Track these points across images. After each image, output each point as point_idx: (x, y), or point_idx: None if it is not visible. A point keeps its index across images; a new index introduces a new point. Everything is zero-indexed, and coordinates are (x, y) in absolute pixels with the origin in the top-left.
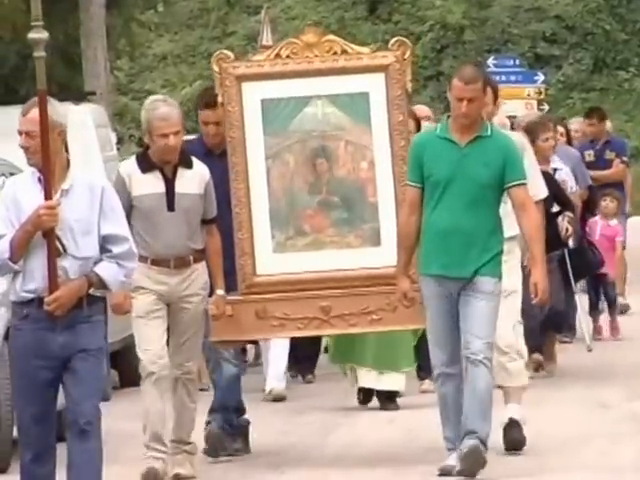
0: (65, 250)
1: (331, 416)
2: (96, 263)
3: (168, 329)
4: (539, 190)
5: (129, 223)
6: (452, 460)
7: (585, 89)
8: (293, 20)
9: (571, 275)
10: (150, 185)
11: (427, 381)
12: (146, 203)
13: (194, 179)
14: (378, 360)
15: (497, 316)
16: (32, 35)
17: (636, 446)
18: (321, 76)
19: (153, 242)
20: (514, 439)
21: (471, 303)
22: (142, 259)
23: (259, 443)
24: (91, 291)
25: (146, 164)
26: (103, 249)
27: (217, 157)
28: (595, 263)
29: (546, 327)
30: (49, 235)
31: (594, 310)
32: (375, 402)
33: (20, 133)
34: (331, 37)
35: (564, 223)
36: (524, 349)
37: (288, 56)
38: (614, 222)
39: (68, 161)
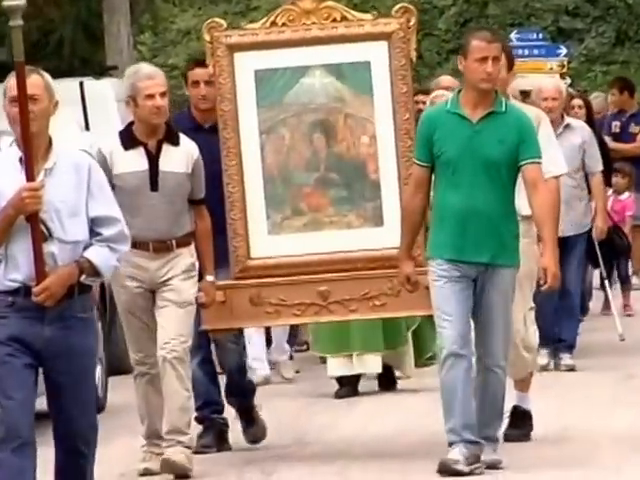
0: (51, 234)
1: (316, 404)
2: (86, 248)
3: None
4: (556, 166)
5: None
6: (455, 454)
7: (607, 62)
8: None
9: (600, 259)
10: (133, 162)
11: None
12: (128, 182)
13: (181, 157)
14: (365, 341)
15: (511, 308)
16: (7, 3)
17: None
18: (319, 45)
19: (133, 222)
20: (521, 432)
21: (486, 297)
22: None
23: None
24: (82, 278)
25: (129, 140)
26: (92, 232)
27: (206, 131)
28: (622, 247)
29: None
30: (33, 219)
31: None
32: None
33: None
34: (330, 3)
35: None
36: (535, 339)
37: (284, 24)
38: (625, 195)
39: (50, 139)
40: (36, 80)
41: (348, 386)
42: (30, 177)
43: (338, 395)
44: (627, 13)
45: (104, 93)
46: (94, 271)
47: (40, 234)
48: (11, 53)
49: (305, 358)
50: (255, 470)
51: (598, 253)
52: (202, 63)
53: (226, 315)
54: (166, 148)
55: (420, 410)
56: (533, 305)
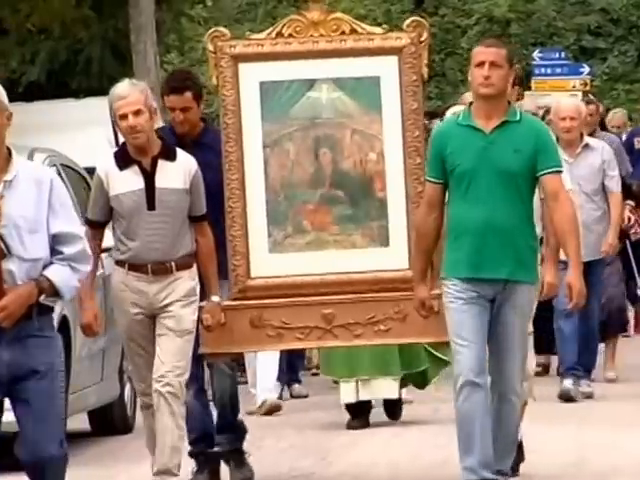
0: (9, 251)
1: (327, 434)
2: (45, 266)
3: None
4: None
5: (112, 227)
6: None
7: (629, 81)
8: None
9: (635, 270)
10: (128, 182)
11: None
12: (124, 202)
13: (178, 172)
14: (379, 365)
15: (528, 332)
16: None
17: None
18: (327, 58)
19: (131, 244)
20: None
21: (504, 319)
22: (120, 264)
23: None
24: (41, 299)
25: (123, 160)
26: (53, 250)
27: (189, 147)
28: None
29: (608, 326)
30: None
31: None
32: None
33: None
34: (339, 15)
35: (625, 212)
36: (532, 366)
37: (291, 35)
38: None
39: (10, 150)
40: None
41: (360, 416)
42: None
43: (350, 426)
44: None
45: None
46: (54, 291)
47: None
48: (43, 72)
49: (317, 382)
50: None
51: (633, 265)
52: (177, 90)
53: (226, 338)
54: (162, 164)
55: (430, 438)
56: (532, 330)
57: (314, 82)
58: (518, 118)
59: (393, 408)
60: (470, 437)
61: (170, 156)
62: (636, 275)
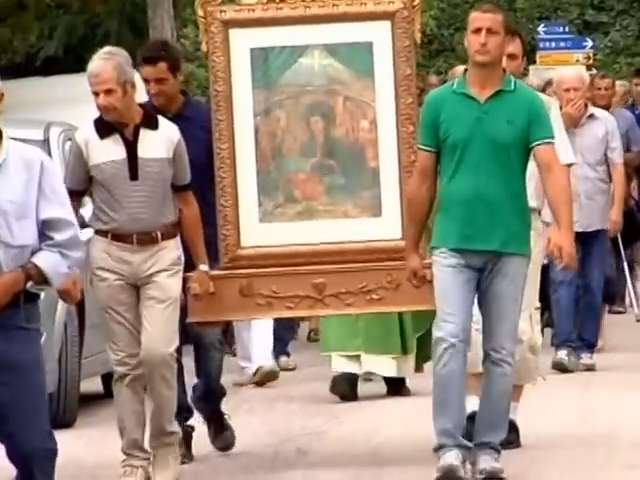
0: None
1: (316, 407)
2: (34, 253)
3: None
4: (564, 156)
5: (90, 195)
6: (453, 459)
7: (631, 54)
8: None
9: (620, 242)
10: (109, 151)
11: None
12: (106, 172)
13: (160, 141)
14: (377, 342)
15: (522, 301)
16: None
17: None
18: (319, 23)
19: (115, 215)
20: (507, 441)
21: (494, 287)
22: (102, 234)
23: (245, 441)
24: (29, 286)
25: (104, 128)
26: (43, 236)
27: (171, 120)
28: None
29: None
30: None
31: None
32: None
33: None
34: None
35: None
36: (540, 341)
37: (282, 0)
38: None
39: (0, 132)
40: None
41: (346, 385)
42: None
43: (336, 392)
44: None
45: None
46: (42, 278)
47: None
48: (61, 46)
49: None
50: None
51: (619, 241)
52: (150, 60)
53: (215, 307)
54: (144, 133)
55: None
56: (539, 305)
57: (306, 48)
58: (513, 88)
59: (395, 387)
60: (447, 399)
61: (152, 124)
62: (620, 247)
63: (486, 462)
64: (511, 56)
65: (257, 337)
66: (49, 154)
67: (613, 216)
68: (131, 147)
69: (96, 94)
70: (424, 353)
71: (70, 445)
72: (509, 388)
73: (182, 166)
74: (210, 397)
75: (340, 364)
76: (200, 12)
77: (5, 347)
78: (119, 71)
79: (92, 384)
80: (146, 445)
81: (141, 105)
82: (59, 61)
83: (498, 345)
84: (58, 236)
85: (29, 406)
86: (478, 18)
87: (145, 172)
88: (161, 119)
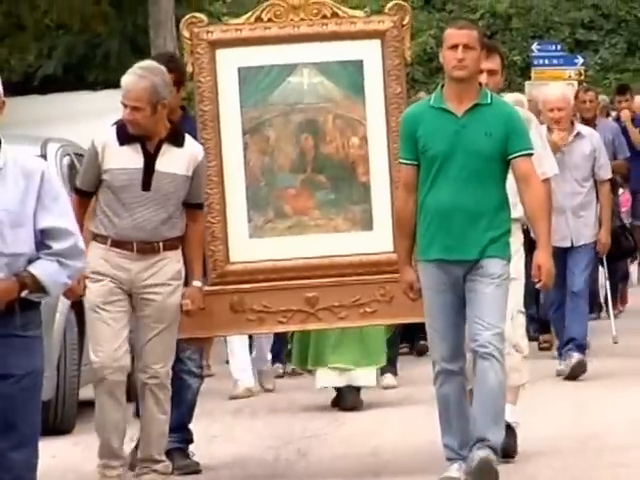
0: None
1: (316, 411)
2: (31, 261)
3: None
4: (546, 167)
5: (95, 197)
6: (454, 472)
7: (619, 70)
8: (355, 10)
9: (604, 259)
10: (126, 158)
11: (389, 375)
12: (118, 178)
13: (183, 159)
14: (350, 356)
15: (507, 302)
16: None
17: None
18: (308, 42)
19: (117, 220)
20: (505, 445)
21: (478, 288)
22: (102, 239)
23: (247, 443)
24: (24, 294)
25: (125, 135)
26: (42, 245)
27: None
28: (629, 249)
29: None
30: None
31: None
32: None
33: None
34: None
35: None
36: (525, 342)
37: (270, 19)
38: (620, 191)
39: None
40: None
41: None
42: None
43: (344, 405)
44: (637, 26)
45: None
46: (38, 287)
47: None
48: (60, 65)
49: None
50: None
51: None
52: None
53: (205, 323)
54: (166, 148)
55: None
56: (523, 310)
57: (295, 67)
58: (489, 101)
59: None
60: (448, 420)
61: (177, 142)
62: (604, 263)
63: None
64: (491, 72)
65: (235, 355)
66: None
67: (602, 238)
68: (150, 159)
69: (124, 105)
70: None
71: (68, 452)
72: (502, 384)
73: (199, 185)
74: (179, 430)
75: (326, 380)
76: (186, 33)
77: (2, 355)
78: (151, 92)
79: (91, 391)
80: (124, 452)
81: (170, 120)
82: (58, 80)
83: (484, 340)
84: (57, 245)
85: (19, 419)
86: (454, 35)
87: (158, 185)
88: (188, 138)
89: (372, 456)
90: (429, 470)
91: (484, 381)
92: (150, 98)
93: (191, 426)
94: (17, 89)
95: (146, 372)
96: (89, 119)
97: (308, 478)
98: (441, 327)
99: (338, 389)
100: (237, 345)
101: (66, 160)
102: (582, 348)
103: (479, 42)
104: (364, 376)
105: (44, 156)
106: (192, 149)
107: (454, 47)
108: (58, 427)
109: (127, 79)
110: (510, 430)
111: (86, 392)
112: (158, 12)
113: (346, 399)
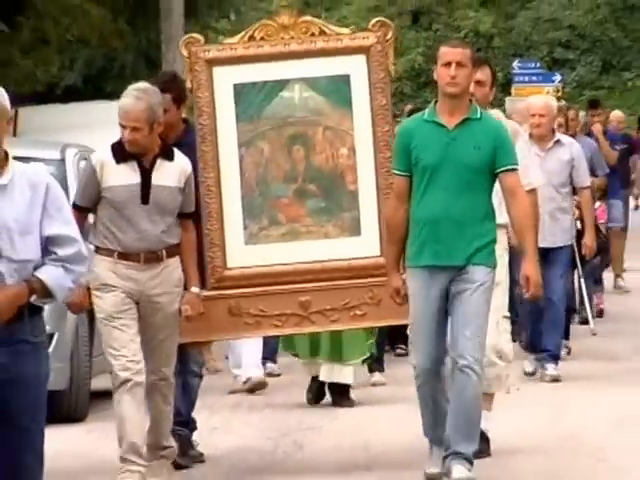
0: (0, 253)
1: (297, 413)
2: (37, 267)
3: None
4: (532, 179)
5: (94, 213)
6: (436, 458)
7: (595, 87)
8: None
9: (578, 260)
10: (124, 175)
11: (377, 373)
12: (118, 194)
13: (174, 172)
14: (330, 352)
15: (489, 309)
16: None
17: None
18: (298, 59)
19: (123, 235)
20: (478, 451)
21: (462, 296)
22: (108, 252)
23: (246, 435)
24: (32, 299)
25: (121, 154)
26: (47, 252)
27: (173, 146)
28: (602, 248)
29: None
30: None
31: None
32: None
33: None
34: (308, 18)
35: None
36: (509, 347)
37: (262, 38)
38: (596, 204)
39: (7, 153)
40: None
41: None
42: None
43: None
44: (611, 46)
45: None
46: (45, 292)
47: None
48: (80, 77)
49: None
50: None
51: (577, 258)
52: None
53: (204, 327)
54: (160, 163)
55: (405, 412)
56: (508, 314)
57: (287, 82)
58: (479, 116)
59: (342, 393)
60: (427, 414)
61: (169, 156)
62: (578, 264)
63: (459, 472)
64: (479, 82)
65: (247, 349)
66: (65, 172)
67: (588, 242)
68: (146, 174)
69: (123, 127)
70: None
71: (81, 439)
72: (478, 396)
73: (189, 196)
74: (183, 424)
75: (311, 369)
76: (184, 52)
77: (14, 361)
78: (149, 112)
79: (102, 381)
80: (144, 451)
81: (160, 137)
82: (79, 90)
83: (463, 351)
84: (61, 251)
85: (28, 423)
86: (448, 52)
87: (156, 198)
88: (176, 152)
89: (363, 449)
90: (416, 463)
91: (460, 395)
92: (148, 118)
93: (194, 415)
94: (42, 98)
95: (156, 374)
96: (104, 127)
97: (305, 469)
98: (425, 331)
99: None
100: (246, 343)
101: (83, 164)
102: (556, 359)
103: (471, 60)
104: (338, 373)
105: (63, 160)
106: (182, 162)
107: (447, 64)
108: (72, 416)
109: (125, 102)
110: (483, 436)
111: (97, 382)
112: (169, 28)
113: (317, 394)
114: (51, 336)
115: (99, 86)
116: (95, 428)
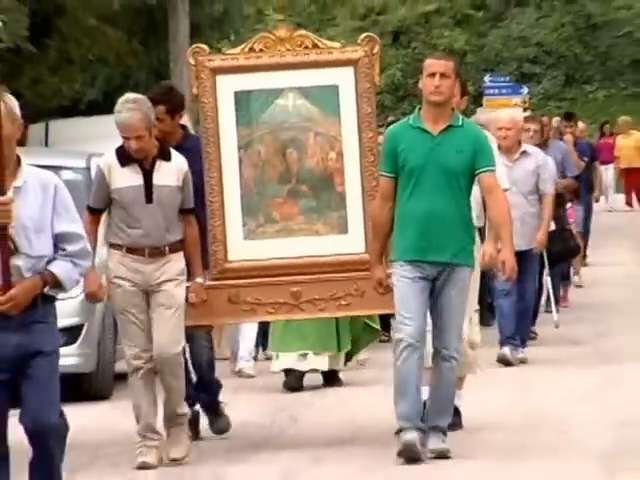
0: (17, 249)
1: (305, 384)
2: (49, 262)
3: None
4: (501, 181)
5: (108, 213)
6: (411, 434)
7: (559, 99)
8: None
9: (545, 257)
10: (129, 178)
11: (362, 351)
12: (125, 195)
13: (172, 171)
14: (318, 342)
15: (466, 304)
16: None
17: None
18: (293, 69)
19: (130, 232)
20: (452, 423)
21: (445, 294)
22: (117, 247)
23: (247, 410)
24: (45, 290)
25: (125, 158)
26: (57, 248)
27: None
28: (574, 248)
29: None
30: (1, 233)
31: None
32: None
33: None
34: (302, 32)
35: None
36: (478, 338)
37: (261, 50)
38: (568, 205)
39: (19, 158)
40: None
41: (295, 378)
42: (1, 192)
43: (287, 385)
44: (574, 61)
45: None
46: (57, 283)
47: (8, 249)
48: (101, 92)
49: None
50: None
51: (545, 257)
52: (153, 102)
53: (207, 312)
54: (159, 164)
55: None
56: (478, 307)
57: (282, 91)
58: (461, 123)
59: (331, 379)
60: (406, 390)
61: (166, 157)
62: (546, 264)
63: (435, 443)
64: None
65: (242, 345)
66: (90, 178)
67: (538, 236)
68: (148, 175)
69: (127, 139)
70: (352, 351)
71: (107, 414)
72: (454, 379)
73: (188, 192)
74: (205, 387)
75: (284, 363)
76: (191, 61)
77: (27, 339)
78: (146, 120)
79: (125, 365)
80: (159, 428)
81: (157, 139)
82: (100, 104)
83: (447, 343)
84: (70, 247)
85: (47, 386)
86: (433, 64)
87: (158, 196)
88: (174, 152)
89: (350, 422)
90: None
91: (441, 379)
92: (146, 125)
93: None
94: (67, 112)
95: (162, 350)
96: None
97: (298, 438)
98: (412, 309)
99: (290, 371)
100: (247, 331)
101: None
102: (524, 343)
103: (454, 72)
104: (316, 360)
105: (88, 168)
106: (178, 162)
107: (432, 75)
108: (98, 394)
109: (123, 116)
110: (456, 411)
111: (120, 365)
112: (176, 48)
113: (290, 381)
114: (81, 326)
115: (117, 100)
116: (119, 405)
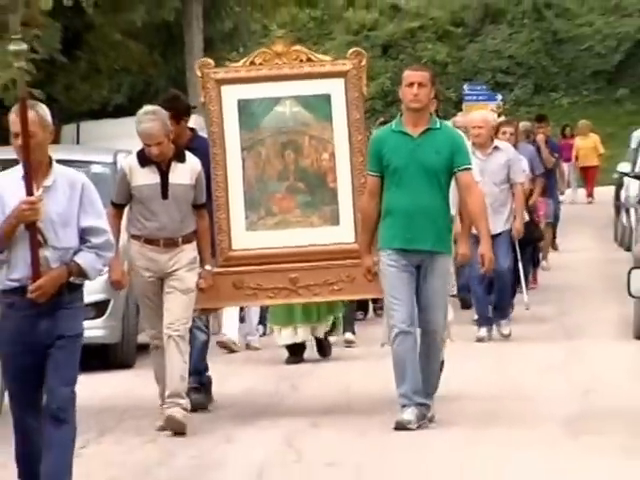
0: (46, 241)
1: (306, 356)
2: (75, 253)
3: None
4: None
5: (130, 208)
6: (408, 414)
7: (528, 105)
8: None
9: (517, 246)
10: (147, 177)
11: (348, 333)
12: (144, 192)
13: (187, 171)
14: (302, 315)
15: (447, 289)
16: (13, 47)
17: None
18: (289, 80)
19: (147, 224)
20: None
21: (428, 279)
22: (137, 238)
23: (253, 380)
24: (71, 279)
25: (144, 159)
26: (83, 240)
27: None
28: (537, 237)
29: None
30: (32, 228)
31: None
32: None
33: (15, 135)
34: (298, 47)
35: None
36: (452, 316)
37: (261, 63)
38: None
39: (51, 159)
40: (31, 117)
41: (296, 354)
42: (29, 192)
43: (289, 362)
44: (542, 72)
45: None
46: (82, 273)
47: (37, 241)
48: (126, 98)
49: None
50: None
51: (516, 243)
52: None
53: (213, 297)
54: (175, 165)
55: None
56: (455, 292)
57: (279, 99)
58: (438, 126)
59: (321, 346)
60: (403, 372)
61: (181, 159)
62: (517, 250)
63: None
64: None
65: (249, 321)
66: (116, 172)
67: (517, 226)
68: (164, 175)
69: (148, 146)
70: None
71: (131, 381)
72: (441, 354)
73: (200, 190)
74: (195, 372)
75: (284, 339)
76: (199, 73)
77: (55, 324)
78: (165, 128)
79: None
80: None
81: (174, 142)
82: (125, 108)
83: (432, 324)
84: (95, 240)
85: (64, 370)
86: (411, 75)
87: (173, 194)
88: (188, 154)
89: (345, 392)
90: (386, 400)
91: (429, 352)
92: (165, 133)
93: (209, 373)
94: (97, 115)
95: (170, 327)
96: None
97: (298, 405)
98: (402, 296)
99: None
100: (252, 313)
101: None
102: (506, 316)
103: (430, 81)
104: (303, 333)
105: (115, 163)
106: (192, 163)
107: (411, 85)
108: (123, 363)
109: (145, 127)
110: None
111: (143, 337)
112: (191, 60)
113: (290, 360)
114: (108, 301)
115: (140, 105)
116: (141, 373)
